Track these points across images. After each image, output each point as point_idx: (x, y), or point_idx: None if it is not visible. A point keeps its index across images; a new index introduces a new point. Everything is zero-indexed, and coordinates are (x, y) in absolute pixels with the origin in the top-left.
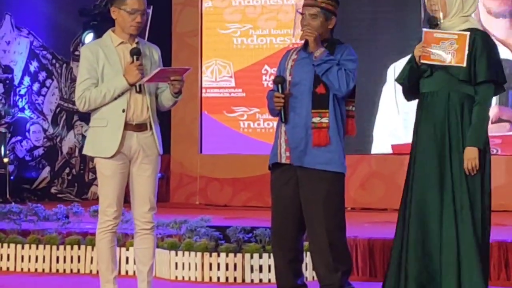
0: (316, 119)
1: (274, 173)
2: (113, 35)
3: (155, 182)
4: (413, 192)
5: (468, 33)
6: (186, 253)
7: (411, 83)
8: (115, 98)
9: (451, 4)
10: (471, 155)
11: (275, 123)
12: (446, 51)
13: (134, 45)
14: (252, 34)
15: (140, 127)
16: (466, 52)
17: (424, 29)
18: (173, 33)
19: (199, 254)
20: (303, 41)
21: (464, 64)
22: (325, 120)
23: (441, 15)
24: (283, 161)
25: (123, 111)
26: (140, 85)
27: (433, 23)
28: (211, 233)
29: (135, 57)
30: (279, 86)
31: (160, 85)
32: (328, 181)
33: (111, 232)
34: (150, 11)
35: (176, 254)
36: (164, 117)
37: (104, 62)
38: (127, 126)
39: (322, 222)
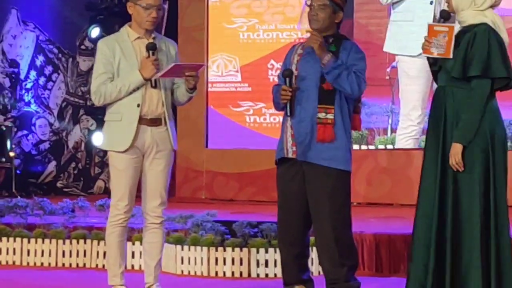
0: (321, 115)
1: (280, 167)
2: (129, 30)
3: (167, 177)
4: (422, 186)
5: (454, 24)
6: (192, 247)
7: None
8: (130, 93)
9: None
10: (453, 151)
11: (281, 118)
12: (440, 43)
13: (151, 40)
14: (258, 29)
15: (155, 122)
16: (453, 44)
17: (428, 22)
18: (180, 27)
19: (205, 248)
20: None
21: (451, 56)
22: (330, 116)
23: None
24: (290, 155)
25: (138, 105)
26: (155, 80)
27: (444, 16)
28: (217, 227)
29: (150, 52)
30: (287, 79)
31: (176, 80)
32: (333, 177)
33: (121, 226)
34: (166, 6)
35: (182, 249)
36: None
37: (120, 56)
38: (142, 120)
39: (328, 218)
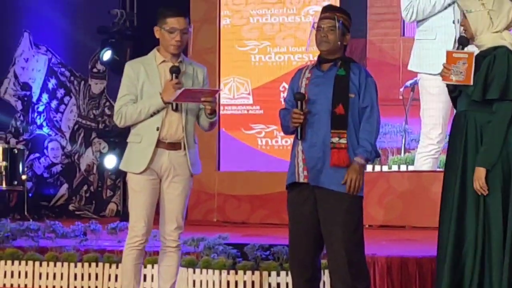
0: (335, 139)
1: (291, 192)
2: (157, 53)
3: (184, 202)
4: (443, 207)
5: (473, 52)
6: (204, 270)
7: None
8: (151, 115)
9: (475, 22)
10: (477, 175)
11: (292, 141)
12: (459, 70)
13: (176, 64)
14: (270, 52)
15: (174, 146)
16: (473, 70)
17: (446, 49)
18: (191, 50)
19: (217, 271)
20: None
21: (471, 83)
22: (343, 140)
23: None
24: (301, 180)
25: (157, 129)
26: (176, 104)
27: (463, 42)
28: (229, 250)
29: (174, 75)
30: (299, 103)
31: (202, 105)
32: (346, 201)
33: (137, 249)
34: (191, 29)
35: (194, 272)
36: None
37: (144, 79)
38: (160, 143)
39: (341, 241)
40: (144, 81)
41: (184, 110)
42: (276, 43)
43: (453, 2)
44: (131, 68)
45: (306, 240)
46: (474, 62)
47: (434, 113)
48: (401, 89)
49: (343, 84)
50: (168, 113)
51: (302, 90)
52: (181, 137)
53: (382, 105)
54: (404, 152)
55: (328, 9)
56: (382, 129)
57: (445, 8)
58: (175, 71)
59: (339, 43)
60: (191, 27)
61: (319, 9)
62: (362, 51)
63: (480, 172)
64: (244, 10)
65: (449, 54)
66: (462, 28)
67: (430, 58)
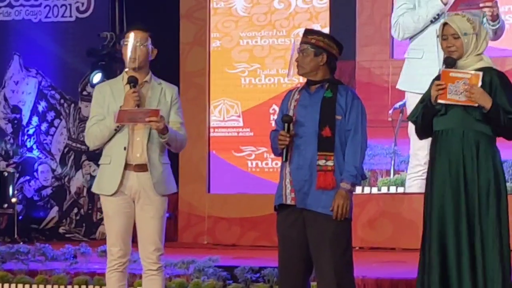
0: (321, 162)
1: (280, 214)
2: (125, 74)
3: (160, 223)
4: (432, 231)
5: (481, 73)
6: None
7: (425, 122)
8: (115, 131)
9: (468, 44)
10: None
11: None
12: (460, 90)
13: (135, 75)
14: (260, 74)
15: (141, 168)
16: (480, 89)
17: (442, 68)
18: (181, 72)
19: None
20: (303, 81)
21: (476, 104)
22: (330, 163)
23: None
24: (289, 202)
25: (124, 148)
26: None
27: (450, 63)
28: (219, 273)
29: (131, 84)
30: (286, 125)
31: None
32: (334, 223)
33: (117, 271)
34: (150, 44)
35: None
36: (172, 157)
37: (110, 100)
38: (128, 166)
39: (330, 263)
40: (110, 102)
41: (148, 129)
42: (266, 65)
43: (438, 16)
44: (98, 91)
45: (295, 263)
46: (480, 81)
47: None
48: (390, 111)
49: (330, 106)
50: (134, 131)
51: (291, 112)
52: (146, 158)
53: (371, 127)
54: (394, 174)
55: (303, 33)
56: (371, 151)
57: (431, 22)
58: (132, 81)
59: (312, 64)
60: (148, 41)
61: None
62: (351, 73)
63: (487, 98)
64: (233, 33)
65: (445, 73)
66: (448, 48)
67: (417, 76)
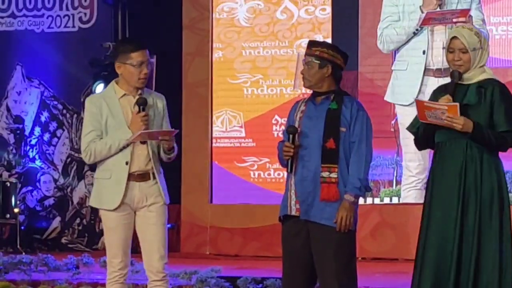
0: (325, 174)
1: (284, 225)
2: (116, 86)
3: (163, 231)
4: (429, 241)
5: (457, 104)
6: None
7: (428, 134)
8: (121, 150)
9: (474, 58)
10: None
11: (285, 173)
12: (439, 116)
13: (137, 96)
14: (263, 84)
15: (144, 177)
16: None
17: (416, 99)
18: (184, 83)
19: None
20: (308, 91)
21: (459, 128)
22: (334, 175)
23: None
24: (293, 213)
25: (126, 163)
26: None
27: (456, 76)
28: (222, 283)
29: (141, 107)
30: (291, 136)
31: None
32: (338, 234)
33: (118, 283)
34: (153, 60)
35: None
36: (174, 167)
37: (107, 114)
38: (130, 176)
39: (334, 274)
40: (107, 116)
41: (149, 141)
42: (268, 76)
43: (421, 28)
44: (92, 104)
45: (299, 273)
46: (458, 111)
47: (411, 143)
48: (392, 122)
49: (334, 118)
50: (135, 146)
51: (296, 123)
52: (149, 168)
53: (374, 137)
54: (396, 185)
55: (307, 45)
56: (373, 161)
57: (414, 33)
58: (142, 103)
59: (318, 76)
60: (153, 57)
61: None
62: (353, 83)
63: (469, 125)
64: (236, 43)
65: (420, 103)
66: (454, 62)
67: (402, 88)
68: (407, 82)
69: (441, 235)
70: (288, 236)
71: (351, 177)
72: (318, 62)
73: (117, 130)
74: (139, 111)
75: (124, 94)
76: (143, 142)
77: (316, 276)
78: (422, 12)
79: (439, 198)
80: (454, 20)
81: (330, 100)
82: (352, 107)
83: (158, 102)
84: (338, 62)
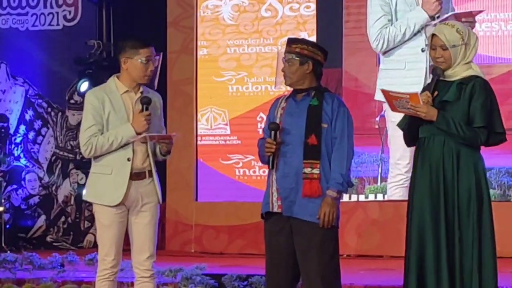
0: (307, 170)
1: (267, 222)
2: (118, 82)
3: (155, 230)
4: (412, 237)
5: (418, 92)
6: None
7: (412, 130)
8: (122, 147)
9: (456, 55)
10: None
11: None
12: (405, 105)
13: (139, 94)
14: (247, 82)
15: (139, 176)
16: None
17: (381, 88)
18: (168, 81)
19: None
20: (291, 89)
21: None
22: (316, 171)
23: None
24: (275, 210)
25: (128, 160)
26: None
27: (438, 73)
28: (207, 281)
29: (145, 106)
30: (273, 132)
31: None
32: (320, 230)
33: (108, 280)
34: (159, 57)
35: None
36: (159, 165)
37: (110, 109)
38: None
39: (317, 270)
40: (110, 111)
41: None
42: (253, 73)
43: (422, 29)
44: (95, 97)
45: (282, 270)
46: (420, 99)
47: (400, 142)
48: (377, 119)
49: (315, 114)
50: (138, 143)
51: (277, 120)
52: (146, 166)
53: (358, 134)
54: (381, 181)
55: (287, 43)
56: (358, 158)
57: (414, 34)
58: (146, 102)
59: (298, 73)
60: (159, 55)
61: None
62: (338, 80)
63: (432, 112)
64: (221, 41)
65: (385, 92)
66: (436, 59)
67: (397, 87)
68: (403, 80)
69: (420, 233)
70: (271, 233)
71: (333, 172)
72: (299, 59)
73: (120, 127)
74: (142, 110)
75: (127, 91)
76: (143, 141)
77: (299, 272)
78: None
79: (418, 195)
80: (463, 19)
81: (311, 97)
82: (333, 103)
83: (156, 101)
84: (319, 58)
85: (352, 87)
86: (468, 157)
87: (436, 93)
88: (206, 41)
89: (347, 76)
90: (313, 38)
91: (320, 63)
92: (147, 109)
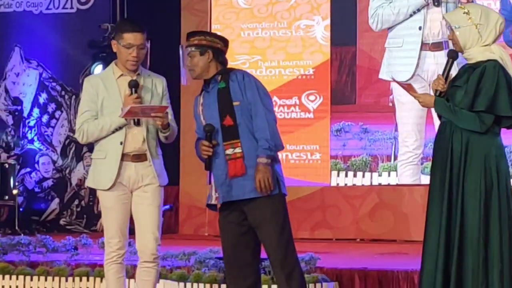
0: (229, 151)
1: (220, 212)
2: (115, 67)
3: (157, 212)
4: (428, 223)
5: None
6: (195, 284)
7: None
8: (113, 131)
9: (464, 37)
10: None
11: (289, 154)
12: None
13: (134, 78)
14: (261, 66)
15: (139, 158)
16: None
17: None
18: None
19: (208, 285)
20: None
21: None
22: (238, 150)
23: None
24: (213, 202)
25: (121, 143)
26: (138, 119)
27: (453, 56)
28: (220, 264)
29: (133, 89)
30: (209, 134)
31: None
32: (267, 201)
33: (116, 263)
34: (148, 45)
35: (185, 286)
36: (173, 149)
37: (104, 94)
38: (125, 157)
39: (272, 241)
40: (104, 97)
41: (145, 122)
42: (267, 57)
43: (418, 10)
44: (90, 84)
45: (240, 250)
46: (415, 88)
47: (407, 121)
48: (391, 97)
49: (225, 95)
50: (130, 127)
51: (201, 117)
52: (145, 149)
53: (372, 112)
54: (394, 159)
55: (186, 38)
56: (372, 136)
57: (410, 15)
58: (134, 85)
59: (201, 64)
60: (148, 42)
61: (310, 23)
62: (352, 59)
63: (429, 100)
64: (234, 25)
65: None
66: (449, 40)
67: (398, 65)
68: (403, 59)
69: (436, 219)
70: (224, 222)
71: (259, 140)
72: (198, 50)
73: (112, 112)
74: (131, 93)
75: (122, 75)
76: (138, 123)
77: (258, 252)
78: None
79: (432, 181)
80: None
81: (218, 82)
82: (238, 78)
83: (158, 84)
84: (218, 46)
85: (366, 65)
86: (479, 144)
87: (452, 76)
88: (220, 25)
89: (361, 54)
90: (327, 21)
91: (221, 50)
92: (136, 91)
